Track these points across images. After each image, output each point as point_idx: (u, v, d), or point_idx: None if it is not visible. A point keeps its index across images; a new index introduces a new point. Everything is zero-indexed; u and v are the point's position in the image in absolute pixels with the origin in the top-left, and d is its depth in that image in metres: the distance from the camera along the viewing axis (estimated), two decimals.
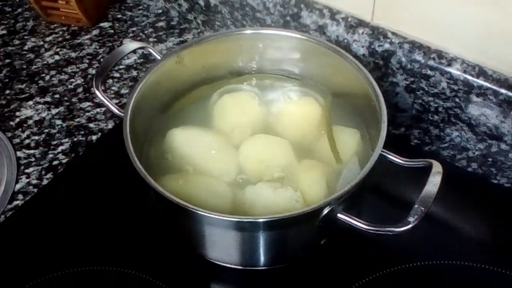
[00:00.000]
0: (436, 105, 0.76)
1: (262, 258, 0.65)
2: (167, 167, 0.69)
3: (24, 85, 0.92)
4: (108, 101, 0.70)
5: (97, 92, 0.70)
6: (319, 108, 0.75)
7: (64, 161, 0.81)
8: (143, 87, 0.70)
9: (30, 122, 0.86)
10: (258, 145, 0.71)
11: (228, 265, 0.67)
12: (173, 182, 0.66)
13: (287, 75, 0.81)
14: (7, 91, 0.91)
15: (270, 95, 0.78)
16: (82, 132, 0.84)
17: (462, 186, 0.77)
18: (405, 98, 0.79)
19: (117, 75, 0.93)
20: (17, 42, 1.00)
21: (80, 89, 0.91)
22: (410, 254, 0.69)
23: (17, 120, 0.86)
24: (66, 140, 0.83)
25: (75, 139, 0.83)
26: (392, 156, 0.64)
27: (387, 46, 0.76)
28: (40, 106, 0.88)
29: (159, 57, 0.74)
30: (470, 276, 0.68)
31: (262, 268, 0.67)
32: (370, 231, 0.58)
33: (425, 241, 0.70)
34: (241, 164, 0.69)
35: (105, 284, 0.67)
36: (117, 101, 0.87)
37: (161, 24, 1.02)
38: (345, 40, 0.79)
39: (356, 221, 0.59)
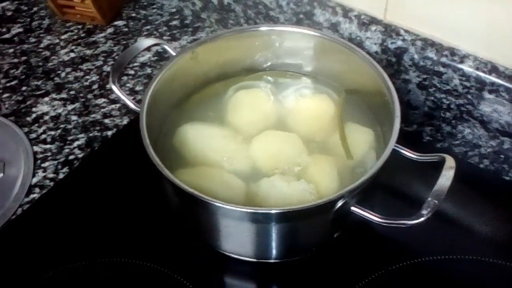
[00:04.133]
0: (448, 102, 0.77)
1: (274, 251, 0.65)
2: (180, 162, 0.70)
3: (40, 81, 0.93)
4: (124, 96, 0.71)
5: (113, 87, 0.71)
6: (333, 105, 0.75)
7: (80, 156, 0.82)
8: (158, 83, 0.71)
9: (46, 117, 0.87)
10: (268, 140, 0.71)
11: (241, 258, 0.68)
12: (186, 175, 0.67)
13: (301, 72, 0.82)
14: (24, 88, 0.92)
15: (284, 92, 0.79)
16: (98, 128, 0.85)
17: (474, 182, 0.77)
18: (418, 95, 0.79)
19: (132, 72, 0.94)
20: (33, 40, 1.02)
21: (95, 86, 0.92)
22: (422, 249, 0.70)
23: (34, 115, 0.88)
24: (82, 135, 0.84)
25: (91, 135, 0.84)
26: (405, 150, 0.65)
27: (399, 43, 0.77)
28: (56, 102, 0.90)
29: (174, 54, 0.75)
30: (481, 271, 0.68)
31: (275, 261, 0.68)
32: (384, 224, 0.59)
33: (437, 236, 0.71)
34: (253, 158, 0.70)
35: (120, 276, 0.68)
36: (132, 97, 0.87)
37: (175, 22, 1.04)
38: (358, 38, 0.80)
39: (370, 214, 0.59)
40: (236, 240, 0.66)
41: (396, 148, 0.64)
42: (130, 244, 0.71)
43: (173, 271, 0.68)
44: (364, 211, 0.60)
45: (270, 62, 0.82)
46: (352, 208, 0.60)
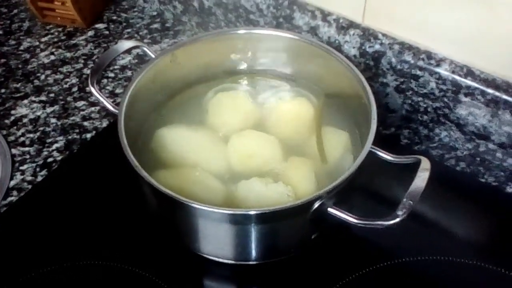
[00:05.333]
0: (425, 105, 0.78)
1: (254, 252, 0.66)
2: (159, 164, 0.70)
3: (19, 84, 0.93)
4: (103, 98, 0.71)
5: (92, 89, 0.71)
6: (311, 109, 0.76)
7: (58, 158, 0.81)
8: (137, 85, 0.71)
9: (25, 120, 0.87)
10: (245, 139, 0.72)
11: (220, 260, 0.68)
12: (165, 178, 0.67)
13: (280, 75, 0.83)
14: (3, 90, 0.92)
15: (263, 95, 0.80)
16: (77, 131, 0.85)
17: (451, 185, 0.78)
18: (395, 98, 0.80)
19: (112, 75, 0.94)
20: (12, 42, 1.01)
21: (75, 89, 0.92)
22: (399, 250, 0.70)
23: (12, 118, 0.87)
24: (61, 138, 0.84)
25: (70, 137, 0.84)
26: (382, 152, 0.65)
27: (377, 47, 0.78)
28: (35, 104, 0.89)
29: (153, 56, 0.75)
30: (458, 272, 0.69)
31: (254, 262, 0.68)
32: (360, 225, 0.59)
33: (414, 237, 0.72)
34: (229, 159, 0.70)
35: (97, 279, 0.68)
36: (111, 100, 0.86)
37: (155, 26, 1.04)
38: (337, 41, 0.81)
39: (347, 215, 0.60)
40: (215, 242, 0.66)
41: (373, 150, 0.64)
42: (108, 246, 0.71)
43: (152, 273, 0.68)
44: (341, 212, 0.60)
45: (250, 65, 0.82)
46: (329, 209, 0.60)
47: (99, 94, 0.71)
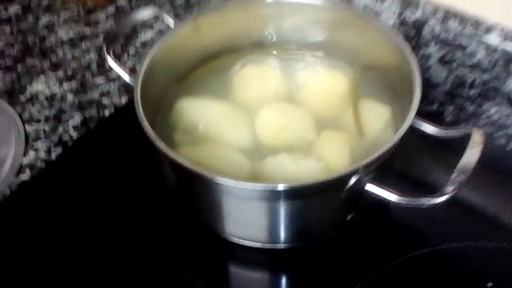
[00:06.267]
0: (472, 78, 0.71)
1: (283, 235, 0.60)
2: (180, 139, 0.65)
3: (36, 61, 0.88)
4: (119, 67, 0.66)
5: (108, 58, 0.66)
6: (346, 81, 0.69)
7: (74, 136, 0.77)
8: (156, 53, 0.65)
9: (41, 97, 0.83)
10: (273, 111, 0.66)
11: (246, 243, 0.62)
12: (187, 153, 0.62)
13: (312, 47, 0.76)
14: (19, 67, 0.87)
15: (293, 68, 0.73)
16: (95, 107, 0.80)
17: (500, 165, 0.71)
18: (439, 71, 0.74)
19: (133, 52, 0.89)
20: (31, 19, 0.97)
21: (94, 65, 0.87)
22: (441, 235, 0.64)
23: (28, 95, 0.83)
24: (78, 115, 0.79)
25: (87, 114, 0.79)
26: (427, 123, 0.58)
27: (418, 15, 0.71)
28: (52, 81, 0.85)
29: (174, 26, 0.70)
30: (503, 258, 0.62)
31: (283, 246, 0.62)
32: (403, 204, 0.53)
33: (458, 222, 0.65)
34: (257, 132, 0.65)
35: (116, 262, 0.63)
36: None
37: (179, 1, 0.98)
38: (373, 10, 0.74)
39: (388, 191, 0.53)
40: (240, 222, 0.60)
41: (417, 122, 0.57)
42: (127, 230, 0.66)
43: (172, 258, 0.62)
44: (381, 189, 0.53)
45: (279, 36, 0.76)
46: (367, 186, 0.54)
47: (115, 63, 0.66)
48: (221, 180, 0.52)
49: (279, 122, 0.65)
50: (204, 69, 0.73)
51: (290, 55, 0.75)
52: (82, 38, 0.93)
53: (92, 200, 0.69)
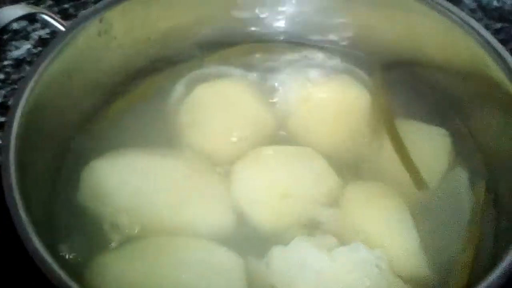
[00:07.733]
0: None
1: None
2: (103, 235, 0.42)
3: None
4: None
5: None
6: (365, 92, 0.50)
7: None
8: (39, 84, 0.43)
9: None
10: (264, 164, 0.45)
11: None
12: (119, 263, 0.40)
13: (308, 41, 0.54)
14: None
15: (277, 79, 0.52)
16: None
17: None
18: None
19: (1, 76, 0.66)
20: None
21: None
22: None
23: None
24: None
25: None
26: None
27: None
28: None
29: (64, 30, 0.48)
30: None
31: None
32: None
33: None
34: (242, 206, 0.44)
35: None
36: (2, 119, 0.61)
37: None
38: None
39: None
40: None
41: None
42: None
43: None
44: None
45: (252, 28, 0.53)
46: None
47: None
48: None
49: (277, 182, 0.43)
50: (126, 98, 0.51)
51: (269, 58, 0.53)
52: None
53: None
